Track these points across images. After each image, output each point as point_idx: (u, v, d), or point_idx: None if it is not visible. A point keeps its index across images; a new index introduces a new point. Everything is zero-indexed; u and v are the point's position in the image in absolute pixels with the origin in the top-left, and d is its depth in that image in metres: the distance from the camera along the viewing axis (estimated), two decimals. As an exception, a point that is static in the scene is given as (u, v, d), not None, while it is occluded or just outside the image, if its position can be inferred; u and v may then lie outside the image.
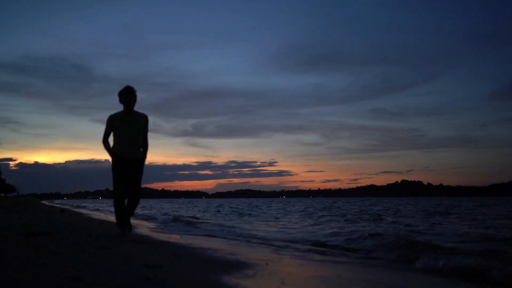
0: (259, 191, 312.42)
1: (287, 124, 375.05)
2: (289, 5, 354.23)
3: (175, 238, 5.98)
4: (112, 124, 4.78)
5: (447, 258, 4.15)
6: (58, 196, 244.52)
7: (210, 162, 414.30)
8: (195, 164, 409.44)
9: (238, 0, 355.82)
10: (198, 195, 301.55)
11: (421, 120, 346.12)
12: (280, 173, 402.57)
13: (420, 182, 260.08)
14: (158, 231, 7.44)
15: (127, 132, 4.76)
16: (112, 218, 11.28)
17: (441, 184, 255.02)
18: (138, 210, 5.29)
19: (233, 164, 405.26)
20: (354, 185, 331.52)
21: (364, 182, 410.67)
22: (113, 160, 4.81)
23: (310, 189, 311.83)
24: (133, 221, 5.10)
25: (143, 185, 5.07)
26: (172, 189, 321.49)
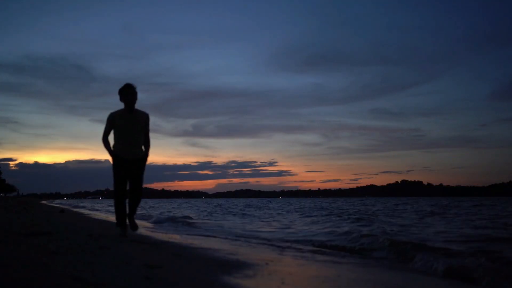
0: (259, 191, 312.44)
1: (287, 124, 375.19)
2: (289, 5, 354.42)
3: (175, 238, 5.97)
4: (113, 123, 4.70)
5: (440, 259, 4.21)
6: (58, 196, 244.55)
7: (210, 162, 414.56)
8: (195, 164, 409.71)
9: (238, 0, 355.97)
10: (198, 195, 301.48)
11: (421, 120, 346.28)
12: (280, 173, 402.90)
13: (420, 182, 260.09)
14: (154, 231, 7.44)
15: (128, 130, 4.69)
16: (112, 218, 11.28)
17: (441, 184, 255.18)
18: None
19: (233, 164, 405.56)
20: (354, 185, 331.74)
21: (364, 182, 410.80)
22: (113, 160, 4.75)
23: (310, 189, 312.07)
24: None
25: (143, 185, 5.03)
26: (172, 189, 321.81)
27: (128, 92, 4.66)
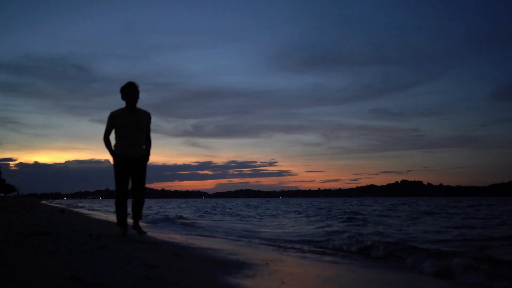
0: (259, 191, 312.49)
1: (287, 124, 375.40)
2: (289, 5, 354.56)
3: (175, 238, 5.97)
4: (114, 122, 4.65)
5: (431, 259, 4.27)
6: (58, 196, 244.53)
7: (210, 162, 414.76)
8: (195, 164, 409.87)
9: (238, 0, 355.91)
10: (198, 195, 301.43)
11: (421, 120, 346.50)
12: (280, 173, 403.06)
13: (420, 182, 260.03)
14: (151, 231, 7.44)
15: (129, 129, 4.63)
16: (112, 218, 11.29)
17: (441, 184, 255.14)
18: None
19: (233, 164, 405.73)
20: (354, 185, 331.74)
21: (364, 182, 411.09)
22: (114, 160, 4.71)
23: (310, 189, 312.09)
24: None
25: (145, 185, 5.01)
26: (172, 189, 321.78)
27: (130, 91, 4.60)
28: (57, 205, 27.80)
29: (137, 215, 4.89)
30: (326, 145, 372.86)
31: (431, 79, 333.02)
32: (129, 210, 4.86)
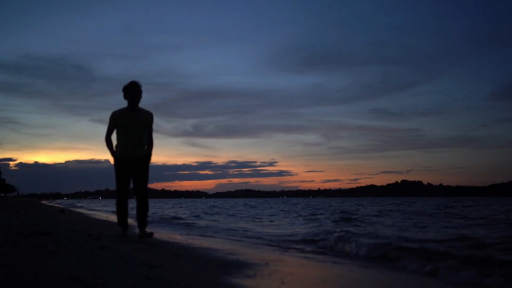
0: (259, 191, 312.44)
1: (287, 124, 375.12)
2: (289, 5, 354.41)
3: (175, 238, 5.98)
4: (116, 121, 4.60)
5: (423, 259, 4.32)
6: (58, 196, 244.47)
7: (210, 162, 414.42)
8: (195, 164, 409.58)
9: (238, 0, 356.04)
10: (198, 195, 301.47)
11: (421, 120, 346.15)
12: (280, 173, 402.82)
13: (420, 182, 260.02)
14: (152, 230, 7.43)
15: (131, 129, 4.58)
16: (112, 217, 11.29)
17: (441, 184, 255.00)
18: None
19: (233, 164, 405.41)
20: (354, 185, 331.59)
21: (364, 182, 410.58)
22: (115, 161, 4.67)
23: (310, 189, 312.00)
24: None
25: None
26: (172, 189, 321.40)
27: (132, 90, 4.55)
28: (57, 205, 27.81)
29: (142, 222, 4.72)
30: (326, 145, 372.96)
31: (431, 79, 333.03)
32: (133, 211, 4.79)
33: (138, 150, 4.65)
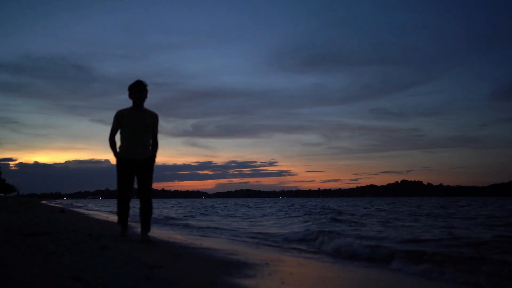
0: (259, 191, 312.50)
1: (287, 124, 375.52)
2: (289, 5, 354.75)
3: (175, 238, 5.98)
4: (120, 120, 4.50)
5: (413, 260, 4.36)
6: (58, 196, 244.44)
7: (210, 162, 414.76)
8: (195, 164, 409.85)
9: (238, 0, 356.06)
10: (198, 195, 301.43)
11: (421, 120, 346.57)
12: (280, 173, 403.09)
13: (420, 182, 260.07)
14: (152, 230, 7.44)
15: (135, 129, 4.47)
16: (112, 218, 11.29)
17: (441, 184, 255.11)
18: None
19: (233, 164, 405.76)
20: (354, 185, 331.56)
21: (364, 182, 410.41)
22: (117, 162, 4.57)
23: (310, 189, 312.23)
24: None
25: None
26: (172, 189, 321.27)
27: (137, 90, 4.45)
28: (57, 205, 27.80)
29: (145, 227, 4.57)
30: (326, 145, 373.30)
31: (431, 79, 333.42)
32: (133, 211, 4.73)
33: (142, 150, 4.53)
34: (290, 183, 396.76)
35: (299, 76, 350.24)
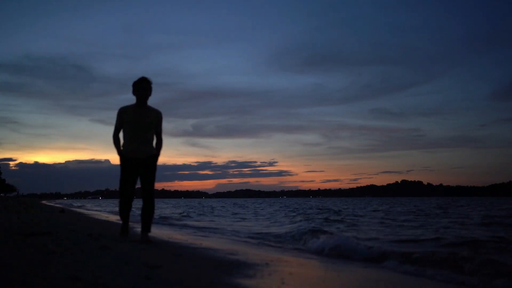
0: (259, 191, 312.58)
1: (287, 124, 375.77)
2: (289, 5, 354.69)
3: (175, 238, 5.97)
4: (123, 117, 4.44)
5: (406, 262, 4.39)
6: (58, 196, 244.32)
7: (210, 162, 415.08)
8: (195, 164, 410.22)
9: (238, 0, 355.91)
10: (198, 195, 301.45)
11: (421, 120, 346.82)
12: (280, 173, 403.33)
13: (420, 182, 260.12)
14: (151, 230, 7.44)
15: (137, 126, 4.40)
16: (112, 218, 11.28)
17: (441, 184, 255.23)
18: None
19: (233, 164, 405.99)
20: (354, 185, 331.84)
21: (364, 182, 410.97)
22: (120, 160, 4.51)
23: (310, 189, 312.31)
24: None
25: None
26: (172, 189, 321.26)
27: (140, 86, 4.38)
28: (57, 205, 27.79)
29: (146, 227, 4.49)
30: (326, 145, 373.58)
31: (431, 79, 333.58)
32: (135, 211, 4.67)
33: (144, 148, 4.46)
34: (290, 183, 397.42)
35: (299, 76, 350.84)
